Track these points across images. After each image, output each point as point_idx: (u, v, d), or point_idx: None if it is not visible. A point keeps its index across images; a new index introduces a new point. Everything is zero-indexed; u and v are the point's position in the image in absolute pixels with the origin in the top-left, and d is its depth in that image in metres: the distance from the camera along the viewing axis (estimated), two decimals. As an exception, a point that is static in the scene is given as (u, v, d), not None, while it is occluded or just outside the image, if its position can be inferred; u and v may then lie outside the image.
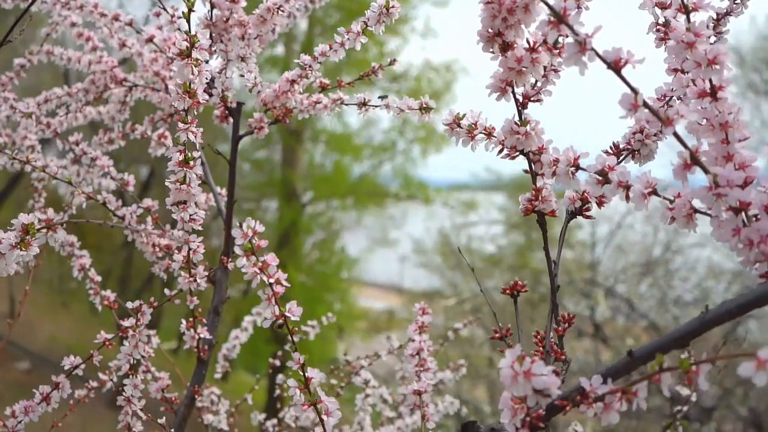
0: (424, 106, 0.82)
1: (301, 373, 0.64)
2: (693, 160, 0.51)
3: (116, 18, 1.08)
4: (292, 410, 1.20)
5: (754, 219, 0.52)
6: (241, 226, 0.60)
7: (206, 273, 0.90)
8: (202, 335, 0.95)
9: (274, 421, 1.30)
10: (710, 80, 0.53)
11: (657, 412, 5.96)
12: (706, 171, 0.50)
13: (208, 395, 1.31)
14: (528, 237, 9.59)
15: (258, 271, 0.61)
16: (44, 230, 0.67)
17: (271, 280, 0.61)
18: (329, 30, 10.62)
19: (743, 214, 0.50)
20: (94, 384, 1.12)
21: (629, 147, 0.68)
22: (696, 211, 0.54)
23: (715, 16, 0.73)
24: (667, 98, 0.69)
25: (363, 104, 0.93)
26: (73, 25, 1.18)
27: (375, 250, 11.54)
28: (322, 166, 11.18)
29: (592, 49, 0.49)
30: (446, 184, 11.18)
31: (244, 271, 0.61)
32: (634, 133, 0.68)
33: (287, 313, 0.62)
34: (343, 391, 1.29)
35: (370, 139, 11.37)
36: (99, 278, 1.07)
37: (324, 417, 0.64)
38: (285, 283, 0.62)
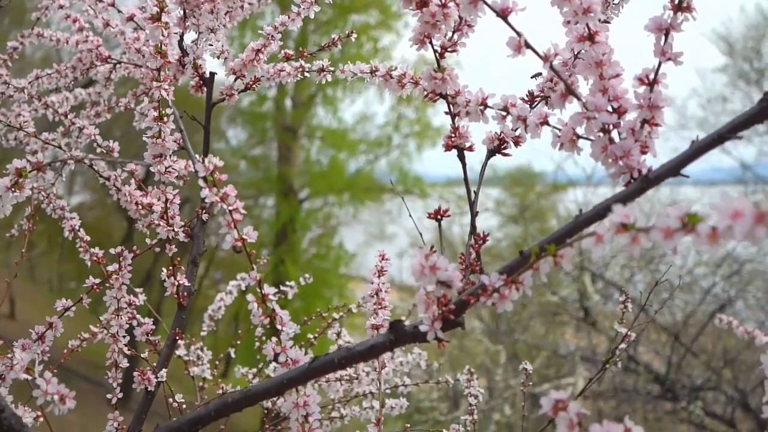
0: (374, 69, 0.92)
1: (258, 290, 0.74)
2: (568, 90, 0.61)
3: (99, -1, 1.18)
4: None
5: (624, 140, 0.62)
6: (203, 161, 0.71)
7: (183, 223, 1.00)
8: (181, 282, 1.06)
9: (254, 370, 1.40)
10: (587, 26, 0.63)
11: (647, 395, 6.09)
12: (578, 98, 0.61)
13: (194, 351, 1.42)
14: (524, 229, 9.69)
15: (219, 200, 0.71)
16: (35, 172, 0.78)
17: (231, 208, 0.72)
18: (323, 26, 10.72)
19: (611, 134, 0.61)
20: (86, 335, 1.22)
21: (542, 94, 0.78)
22: (578, 136, 0.64)
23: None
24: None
25: (321, 70, 1.03)
26: (61, 7, 1.28)
27: (372, 245, 11.63)
28: (318, 162, 11.28)
29: (484, 0, 0.60)
30: (442, 179, 11.28)
31: (207, 201, 0.72)
32: (545, 82, 0.78)
33: (245, 236, 0.73)
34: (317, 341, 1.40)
35: (366, 134, 11.48)
36: (88, 237, 1.17)
37: (279, 327, 0.74)
38: (242, 210, 0.72)
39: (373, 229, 11.92)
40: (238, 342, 1.54)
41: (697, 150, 0.56)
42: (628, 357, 6.39)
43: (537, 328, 7.19)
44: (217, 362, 1.45)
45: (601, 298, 6.64)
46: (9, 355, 0.72)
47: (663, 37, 0.61)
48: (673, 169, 0.56)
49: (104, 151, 1.17)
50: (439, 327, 0.64)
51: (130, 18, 1.15)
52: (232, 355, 1.52)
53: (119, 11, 1.19)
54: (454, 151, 0.77)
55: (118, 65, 1.28)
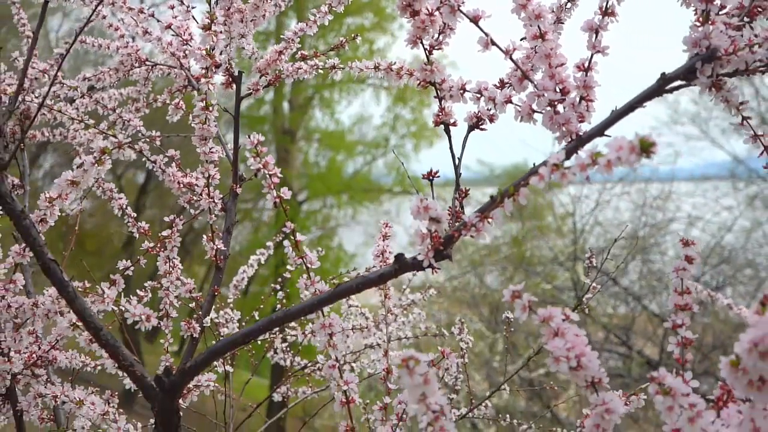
0: (377, 65, 1.14)
1: (293, 237, 0.95)
2: (524, 76, 0.83)
3: (141, 11, 1.39)
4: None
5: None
6: (249, 136, 0.92)
7: (222, 196, 1.21)
8: (218, 247, 1.27)
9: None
10: (539, 27, 0.84)
11: (640, 380, 6.30)
12: (531, 82, 0.82)
13: (223, 315, 1.63)
14: (522, 226, 9.90)
15: (262, 167, 0.93)
16: (116, 149, 0.99)
17: (271, 173, 0.93)
18: (320, 29, 10.94)
19: (557, 108, 0.82)
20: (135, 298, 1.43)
21: (509, 80, 0.99)
22: (533, 110, 0.85)
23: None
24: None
25: (333, 67, 1.25)
26: (104, 17, 1.49)
27: (371, 245, 11.82)
28: (316, 164, 11.49)
29: (460, 9, 0.81)
30: (440, 179, 11.46)
31: (253, 169, 0.93)
32: (511, 71, 0.99)
33: (282, 194, 0.94)
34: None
35: (363, 136, 11.70)
36: (134, 214, 1.38)
37: (308, 265, 0.95)
38: (279, 174, 0.93)
39: (372, 230, 12.11)
40: (261, 306, 1.75)
41: (615, 117, 0.77)
42: (622, 343, 6.63)
43: (533, 318, 7.40)
44: (244, 322, 1.66)
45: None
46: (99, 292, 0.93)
47: (594, 35, 0.82)
48: (598, 131, 0.78)
49: (147, 140, 1.38)
50: (432, 257, 0.85)
51: (168, 26, 1.36)
52: (257, 318, 1.73)
53: (158, 21, 1.40)
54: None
55: (155, 67, 1.49)
